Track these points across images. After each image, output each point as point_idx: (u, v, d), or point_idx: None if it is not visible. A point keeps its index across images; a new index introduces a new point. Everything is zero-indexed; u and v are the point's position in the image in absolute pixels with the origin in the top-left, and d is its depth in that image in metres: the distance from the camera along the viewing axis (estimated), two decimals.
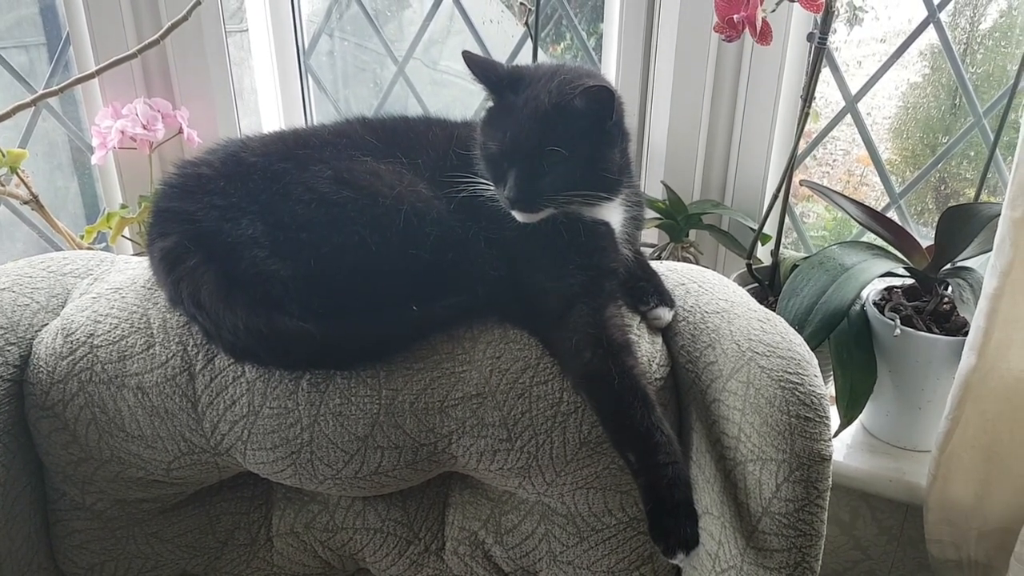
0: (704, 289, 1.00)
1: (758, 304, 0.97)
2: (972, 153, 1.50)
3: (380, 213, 0.86)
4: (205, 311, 0.85)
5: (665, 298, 0.97)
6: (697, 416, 0.93)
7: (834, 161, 1.65)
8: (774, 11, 1.12)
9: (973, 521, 1.16)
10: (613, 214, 0.94)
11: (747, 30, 1.07)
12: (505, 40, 1.69)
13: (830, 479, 0.83)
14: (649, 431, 0.83)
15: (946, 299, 1.26)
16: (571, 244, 0.89)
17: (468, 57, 0.89)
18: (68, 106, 1.67)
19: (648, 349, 0.93)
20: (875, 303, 1.28)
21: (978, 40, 1.43)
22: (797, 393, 0.83)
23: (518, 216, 0.87)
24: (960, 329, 1.22)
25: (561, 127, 0.84)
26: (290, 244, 0.85)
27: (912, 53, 1.41)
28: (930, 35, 1.37)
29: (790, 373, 0.84)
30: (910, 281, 1.31)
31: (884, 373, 1.26)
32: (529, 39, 1.34)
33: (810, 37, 1.20)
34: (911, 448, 1.31)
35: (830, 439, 0.83)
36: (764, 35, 1.06)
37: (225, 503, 1.04)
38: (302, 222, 0.86)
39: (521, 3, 1.30)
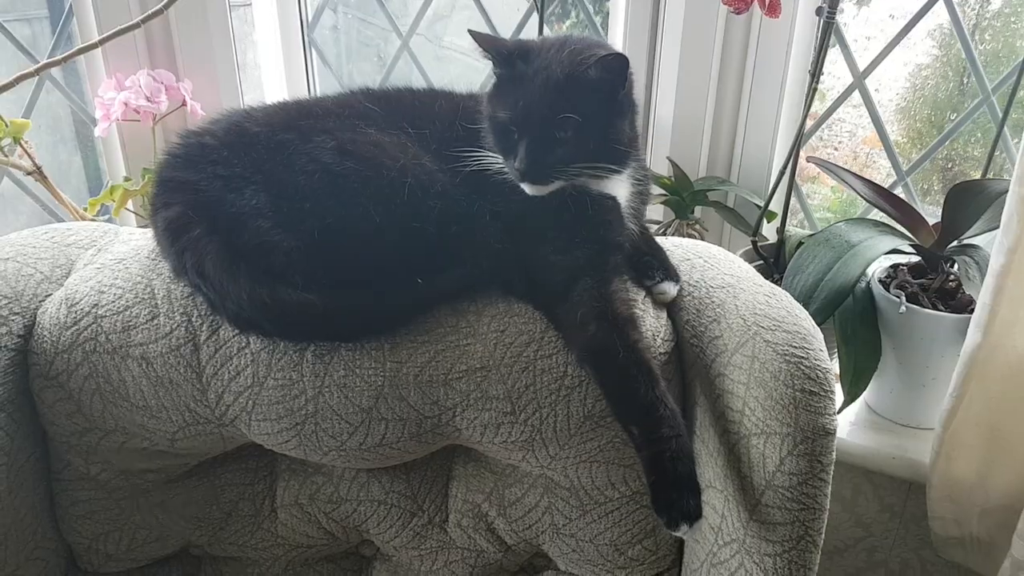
0: (709, 264, 0.99)
1: (763, 279, 0.96)
2: (979, 134, 1.48)
3: (384, 185, 0.86)
4: (209, 281, 0.85)
5: (670, 273, 0.97)
6: (701, 390, 0.93)
7: (839, 143, 1.64)
8: None
9: (976, 498, 1.17)
10: (620, 188, 0.93)
11: (756, 2, 1.06)
12: (511, 14, 1.67)
13: (834, 453, 0.83)
14: (653, 404, 0.83)
15: (952, 277, 1.25)
16: (577, 218, 0.89)
17: (475, 34, 0.89)
18: (71, 79, 1.66)
19: (653, 324, 0.93)
20: (880, 280, 1.28)
21: (987, 18, 1.42)
22: (802, 367, 0.83)
23: (527, 189, 0.87)
24: (966, 307, 1.22)
25: (574, 97, 0.83)
26: (293, 215, 0.85)
27: (920, 32, 1.40)
28: (938, 14, 1.36)
29: (795, 347, 0.84)
30: (916, 259, 1.31)
31: (888, 351, 1.26)
32: (535, 14, 1.33)
33: (819, 11, 1.19)
34: (914, 426, 1.31)
35: (834, 413, 0.83)
36: (773, 8, 1.05)
37: (229, 474, 1.05)
38: (305, 193, 0.85)
39: None
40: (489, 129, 0.89)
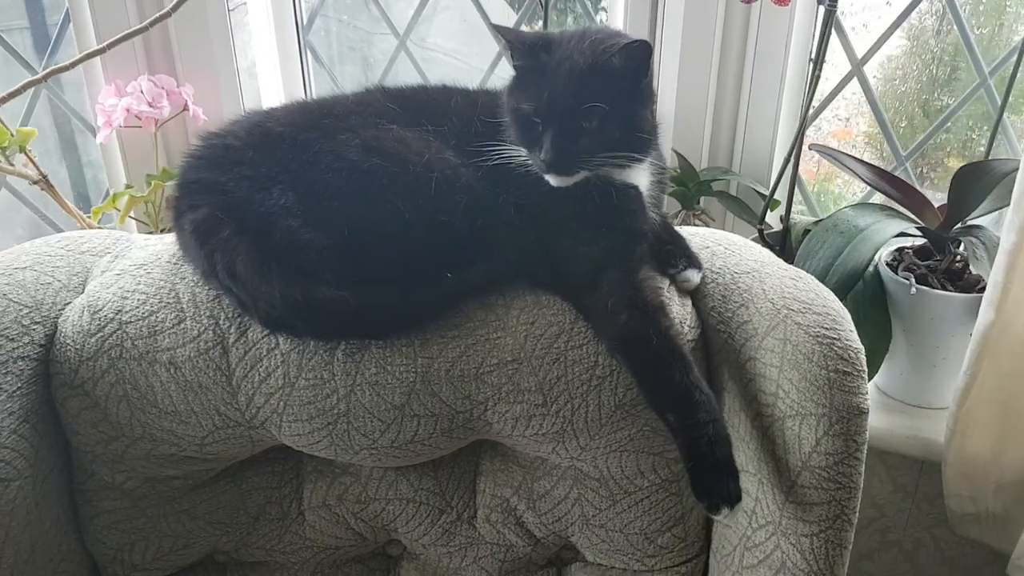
0: (731, 251, 1.00)
1: (786, 263, 0.97)
2: (949, 121, 1.50)
3: (411, 180, 0.86)
4: (241, 282, 0.84)
5: (693, 260, 0.98)
6: (730, 376, 0.93)
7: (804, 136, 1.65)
8: None
9: (991, 475, 1.19)
10: (641, 177, 0.94)
11: None
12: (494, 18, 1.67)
13: (867, 432, 0.84)
14: (688, 390, 0.84)
15: (958, 257, 1.27)
16: (602, 208, 0.89)
17: (498, 27, 0.90)
18: (54, 87, 1.64)
19: (678, 311, 0.93)
20: (887, 264, 1.29)
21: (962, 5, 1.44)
22: (835, 348, 0.84)
23: (552, 180, 0.87)
24: (973, 286, 1.24)
25: (599, 86, 0.83)
26: (322, 213, 0.84)
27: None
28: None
29: (826, 328, 0.85)
30: (920, 242, 1.33)
31: (898, 333, 1.28)
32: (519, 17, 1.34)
33: (821, 0, 1.21)
34: (925, 406, 1.32)
35: (867, 392, 0.84)
36: None
37: (256, 478, 1.04)
38: (333, 191, 0.85)
39: None
40: (511, 122, 0.90)
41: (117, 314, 0.92)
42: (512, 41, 0.89)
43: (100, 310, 0.92)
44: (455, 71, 1.82)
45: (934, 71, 1.49)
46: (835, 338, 0.84)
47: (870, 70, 1.45)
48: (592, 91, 0.83)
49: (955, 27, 1.40)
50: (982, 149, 1.48)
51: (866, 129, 1.61)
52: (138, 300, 0.92)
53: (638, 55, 0.83)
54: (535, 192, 0.89)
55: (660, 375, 0.85)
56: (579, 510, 1.01)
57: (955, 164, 1.52)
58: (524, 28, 1.52)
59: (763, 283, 0.92)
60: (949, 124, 1.47)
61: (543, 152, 0.85)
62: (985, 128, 1.48)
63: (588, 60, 0.84)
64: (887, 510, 1.41)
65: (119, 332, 0.91)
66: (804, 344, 0.84)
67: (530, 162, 0.88)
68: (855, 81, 1.45)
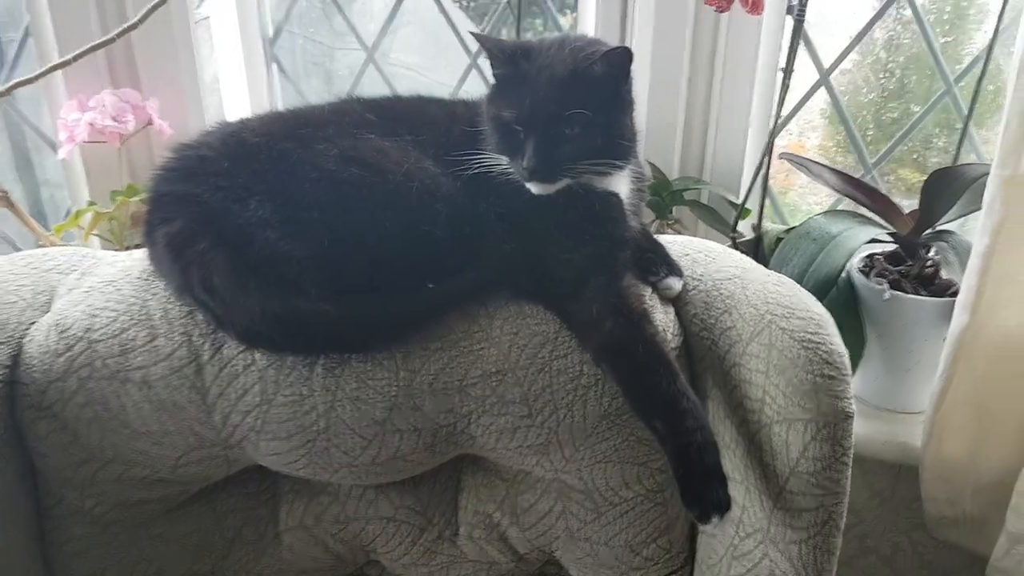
0: (711, 258, 1.00)
1: (767, 269, 0.97)
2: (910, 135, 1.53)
3: (390, 190, 0.85)
4: (218, 296, 0.82)
5: (673, 268, 0.98)
6: (714, 383, 0.93)
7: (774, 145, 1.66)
8: None
9: (968, 477, 1.19)
10: (622, 184, 0.93)
11: (738, 0, 1.08)
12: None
13: (853, 436, 0.84)
14: (675, 398, 0.83)
15: (929, 262, 1.29)
16: (585, 216, 0.88)
17: (478, 36, 0.90)
18: (13, 104, 1.59)
19: (661, 319, 0.93)
20: (859, 270, 1.31)
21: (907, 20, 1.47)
22: (820, 352, 0.84)
23: (534, 188, 0.86)
24: (945, 291, 1.25)
25: (581, 93, 0.83)
26: (301, 224, 0.82)
27: (844, 40, 1.44)
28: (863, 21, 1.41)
29: (811, 333, 0.85)
30: (891, 248, 1.34)
31: (872, 338, 1.29)
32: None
33: (790, 10, 1.22)
34: (901, 410, 1.33)
35: (852, 396, 0.84)
36: (756, 5, 1.07)
37: (231, 500, 1.01)
38: (312, 202, 0.83)
39: None
40: (492, 130, 0.89)
41: (86, 332, 0.89)
42: (492, 49, 0.88)
43: (68, 329, 0.89)
44: (419, 86, 1.81)
45: (887, 84, 1.52)
46: (820, 342, 0.84)
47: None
48: (574, 98, 0.83)
49: (917, 37, 1.43)
50: (935, 160, 1.52)
51: (819, 143, 1.63)
52: (108, 318, 0.89)
53: (619, 62, 0.83)
54: (516, 201, 0.88)
55: (647, 382, 0.84)
56: (563, 524, 1.00)
57: (908, 174, 1.56)
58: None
59: (745, 289, 0.92)
60: (911, 135, 1.49)
61: (526, 160, 0.84)
62: (940, 139, 1.51)
63: (569, 67, 0.84)
64: (864, 516, 1.41)
65: (89, 351, 0.88)
66: (789, 349, 0.84)
67: (511, 170, 0.87)
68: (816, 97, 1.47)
